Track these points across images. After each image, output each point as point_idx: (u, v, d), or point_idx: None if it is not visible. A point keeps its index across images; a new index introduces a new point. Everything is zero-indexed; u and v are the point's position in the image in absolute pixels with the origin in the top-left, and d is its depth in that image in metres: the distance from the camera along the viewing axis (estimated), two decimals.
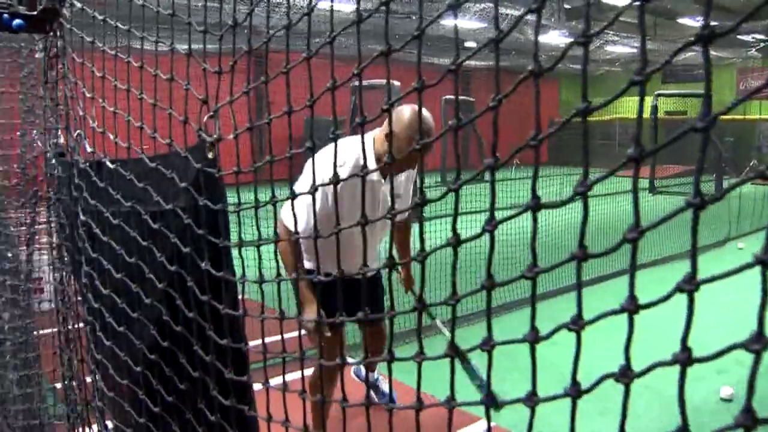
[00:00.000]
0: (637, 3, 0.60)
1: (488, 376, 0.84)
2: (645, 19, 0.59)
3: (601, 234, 8.95)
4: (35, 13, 2.25)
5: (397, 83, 11.26)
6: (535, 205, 0.69)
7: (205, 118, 1.45)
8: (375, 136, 3.36)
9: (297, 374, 1.36)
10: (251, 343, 1.48)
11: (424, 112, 3.14)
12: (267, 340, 1.38)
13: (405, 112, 3.19)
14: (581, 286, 0.70)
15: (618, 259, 8.36)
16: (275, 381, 1.33)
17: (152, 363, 1.70)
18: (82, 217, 2.07)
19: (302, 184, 3.24)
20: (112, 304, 1.88)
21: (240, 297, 1.48)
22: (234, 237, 1.42)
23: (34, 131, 2.74)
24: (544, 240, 7.78)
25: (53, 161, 2.39)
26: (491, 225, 0.76)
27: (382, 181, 3.36)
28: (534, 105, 0.72)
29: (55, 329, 2.69)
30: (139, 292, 1.71)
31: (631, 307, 0.63)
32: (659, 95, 18.30)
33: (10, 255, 2.88)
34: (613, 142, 25.10)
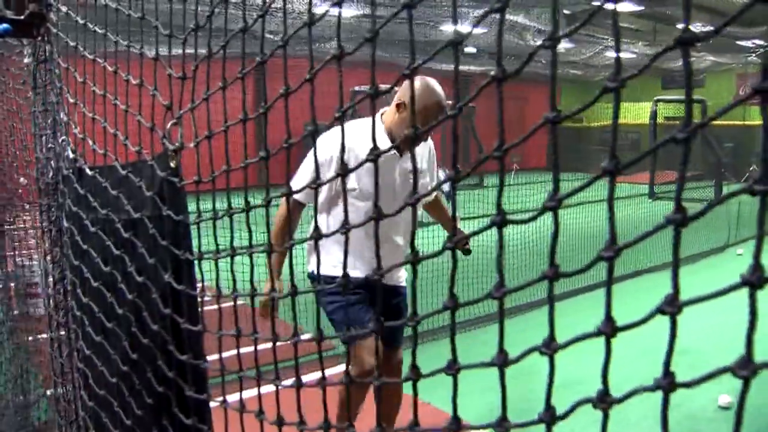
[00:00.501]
0: (610, 7, 0.55)
1: (454, 400, 0.79)
2: (618, 22, 0.54)
3: (599, 240, 8.91)
4: (22, 17, 2.22)
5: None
6: (500, 221, 0.65)
7: (169, 125, 1.41)
8: (384, 112, 3.25)
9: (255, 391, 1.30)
10: (210, 358, 1.44)
11: (435, 84, 3.04)
12: (230, 353, 1.33)
13: (414, 83, 3.05)
14: (554, 305, 0.65)
15: (623, 264, 8.31)
16: (233, 397, 1.28)
17: (125, 374, 1.67)
18: (65, 224, 2.05)
19: (304, 168, 3.18)
20: (91, 312, 1.85)
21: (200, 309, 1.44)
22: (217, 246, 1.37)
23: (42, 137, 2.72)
24: (541, 247, 7.75)
25: (48, 167, 2.36)
26: (452, 242, 0.71)
27: (398, 155, 3.20)
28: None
29: (47, 335, 2.66)
30: (113, 302, 1.68)
31: (608, 329, 0.59)
32: (658, 101, 18.26)
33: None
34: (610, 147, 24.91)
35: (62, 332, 2.32)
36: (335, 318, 3.25)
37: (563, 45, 18.20)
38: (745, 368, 0.51)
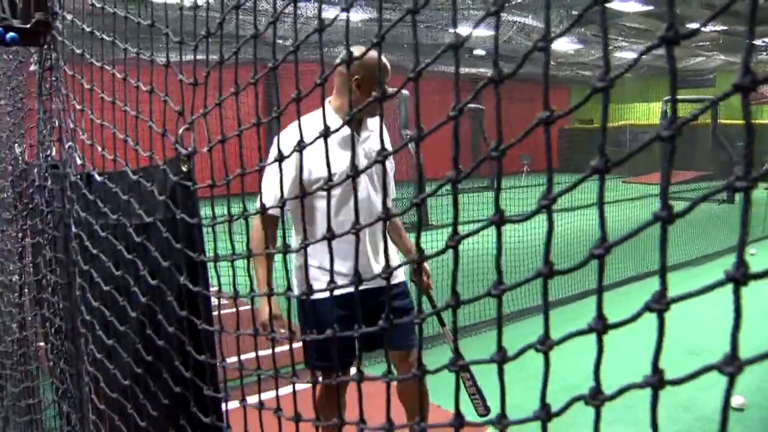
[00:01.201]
0: (597, 8, 0.56)
1: (456, 396, 0.79)
2: (606, 22, 0.55)
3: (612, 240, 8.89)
4: (29, 26, 2.25)
5: (405, 92, 11.22)
6: (499, 220, 0.66)
7: (181, 130, 1.43)
8: (329, 101, 3.13)
9: (273, 393, 1.32)
10: (228, 360, 1.45)
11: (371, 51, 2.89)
12: (246, 356, 1.34)
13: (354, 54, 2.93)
14: (548, 304, 0.66)
15: (640, 264, 8.37)
16: (252, 399, 1.30)
17: (138, 377, 1.69)
18: (74, 230, 2.07)
19: (269, 178, 2.90)
20: (102, 316, 1.87)
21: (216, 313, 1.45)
22: (222, 250, 1.39)
23: (17, 146, 2.72)
24: (558, 248, 7.75)
25: (45, 173, 2.38)
26: (453, 240, 0.72)
27: (357, 135, 3.08)
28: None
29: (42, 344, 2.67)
30: (126, 305, 1.70)
31: (599, 327, 0.60)
32: (668, 101, 18.16)
33: (10, 268, 2.88)
34: (624, 149, 24.90)
35: (61, 336, 2.34)
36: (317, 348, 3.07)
37: (572, 46, 18.16)
38: (731, 365, 0.52)
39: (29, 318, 2.73)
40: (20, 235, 2.64)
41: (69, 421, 2.39)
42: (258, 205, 2.38)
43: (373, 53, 3.20)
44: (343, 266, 2.80)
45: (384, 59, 2.95)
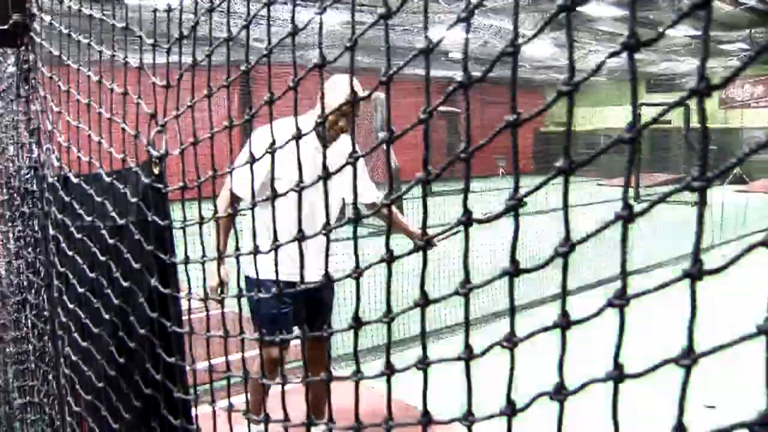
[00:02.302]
0: (561, 17, 0.58)
1: (424, 394, 0.81)
2: (572, 28, 0.57)
3: (591, 243, 8.96)
4: (6, 27, 2.23)
5: (381, 95, 11.23)
6: (467, 220, 0.68)
7: (153, 132, 1.43)
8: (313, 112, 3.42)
9: (242, 397, 1.32)
10: (199, 365, 1.45)
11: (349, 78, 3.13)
12: (216, 360, 1.35)
13: (333, 79, 3.28)
14: (514, 302, 0.68)
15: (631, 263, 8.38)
16: (221, 403, 1.30)
17: (112, 378, 1.69)
18: (51, 231, 2.06)
19: (241, 158, 3.18)
20: (78, 318, 1.87)
21: (187, 317, 1.46)
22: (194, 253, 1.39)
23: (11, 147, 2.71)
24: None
25: (27, 175, 2.37)
26: (422, 239, 0.74)
27: (321, 152, 3.29)
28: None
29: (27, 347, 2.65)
30: (100, 307, 1.70)
31: (563, 323, 0.62)
32: (643, 105, 18.42)
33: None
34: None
35: (46, 339, 2.33)
36: (262, 320, 3.31)
37: (548, 49, 18.28)
38: (687, 358, 0.54)
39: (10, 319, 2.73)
40: (10, 236, 2.64)
41: (52, 423, 2.38)
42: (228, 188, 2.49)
43: (339, 80, 3.41)
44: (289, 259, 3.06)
45: (356, 82, 3.24)
